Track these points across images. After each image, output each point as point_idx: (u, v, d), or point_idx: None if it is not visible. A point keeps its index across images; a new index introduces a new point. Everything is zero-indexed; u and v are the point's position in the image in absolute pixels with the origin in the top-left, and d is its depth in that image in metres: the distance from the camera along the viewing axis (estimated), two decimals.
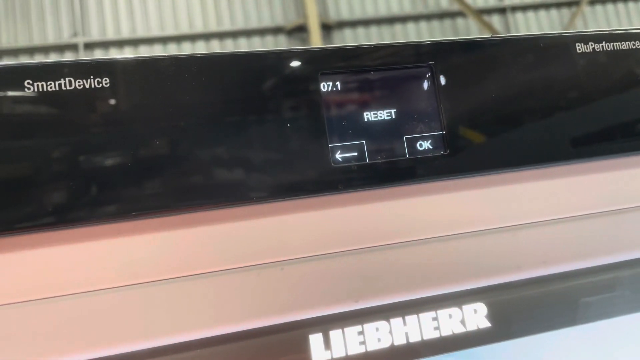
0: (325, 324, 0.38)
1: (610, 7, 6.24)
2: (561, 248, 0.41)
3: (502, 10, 6.05)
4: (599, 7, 6.22)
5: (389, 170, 0.37)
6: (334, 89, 0.37)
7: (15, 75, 0.32)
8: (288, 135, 0.36)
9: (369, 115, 0.37)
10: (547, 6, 6.13)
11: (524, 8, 6.09)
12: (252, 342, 0.37)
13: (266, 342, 0.37)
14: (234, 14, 5.54)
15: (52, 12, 5.27)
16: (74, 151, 0.32)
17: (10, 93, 0.32)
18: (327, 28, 5.56)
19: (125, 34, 5.33)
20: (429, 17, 5.88)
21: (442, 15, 5.91)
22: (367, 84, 0.38)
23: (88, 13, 5.31)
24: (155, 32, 5.37)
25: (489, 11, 6.02)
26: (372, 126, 0.37)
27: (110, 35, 5.31)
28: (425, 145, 0.38)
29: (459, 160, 0.38)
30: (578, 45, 0.41)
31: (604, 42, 0.41)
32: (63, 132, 0.32)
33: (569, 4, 6.14)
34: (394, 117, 0.38)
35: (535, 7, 6.12)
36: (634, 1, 6.26)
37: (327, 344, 0.38)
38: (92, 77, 0.33)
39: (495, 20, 5.99)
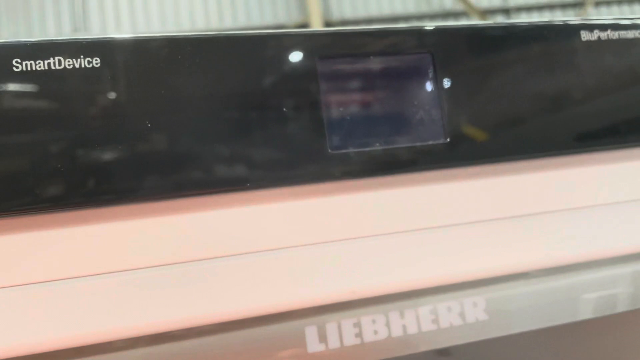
0: (321, 314, 0.37)
1: (615, 8, 6.22)
2: (563, 240, 0.40)
3: (506, 11, 6.04)
4: (603, 9, 6.21)
5: (386, 158, 0.36)
6: (332, 74, 0.36)
7: (4, 55, 0.31)
8: (284, 121, 0.35)
9: (367, 102, 0.37)
10: (551, 7, 6.12)
11: (529, 9, 6.07)
12: (247, 332, 0.36)
13: (261, 332, 0.37)
14: (236, 11, 5.53)
15: (53, 7, 5.27)
16: (67, 134, 0.31)
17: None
18: (329, 27, 5.55)
19: (126, 30, 5.32)
20: (432, 16, 5.87)
21: (445, 15, 5.90)
22: (366, 69, 0.37)
23: (89, 9, 5.30)
24: (157, 28, 5.36)
25: (493, 12, 6.00)
26: (370, 113, 0.37)
27: (111, 31, 5.31)
28: (425, 133, 0.37)
29: (458, 149, 0.37)
30: (583, 33, 0.40)
31: (609, 30, 0.41)
32: (50, 115, 0.31)
33: (573, 5, 6.13)
34: (392, 104, 0.37)
35: (539, 8, 6.10)
36: (639, 3, 6.24)
37: (322, 335, 0.37)
38: (82, 56, 0.32)
39: (499, 21, 5.98)
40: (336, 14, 5.65)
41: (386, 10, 5.77)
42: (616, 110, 0.40)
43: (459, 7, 5.76)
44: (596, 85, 0.40)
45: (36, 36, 5.08)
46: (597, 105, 0.40)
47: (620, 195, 0.41)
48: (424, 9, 5.86)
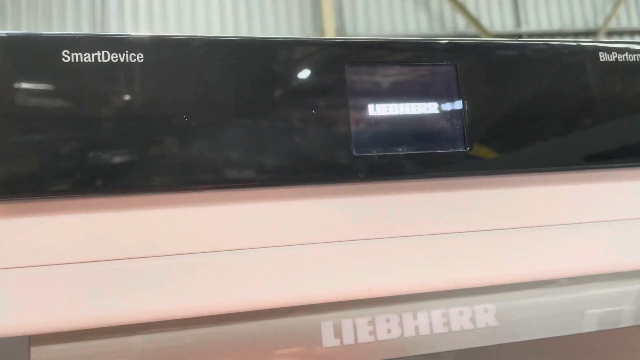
0: (337, 310, 0.39)
1: (627, 39, 6.26)
2: (575, 253, 0.41)
3: (519, 37, 6.08)
4: (615, 39, 6.24)
5: (408, 163, 0.38)
6: (360, 81, 0.38)
7: (55, 45, 0.33)
8: (311, 122, 0.36)
9: (392, 108, 0.38)
10: (564, 35, 6.15)
11: (541, 35, 6.11)
12: (266, 324, 0.38)
13: (279, 324, 0.38)
14: (252, 24, 5.59)
15: (73, 10, 5.35)
16: (112, 124, 0.33)
17: (46, 64, 0.33)
18: None
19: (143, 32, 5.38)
20: (445, 38, 5.91)
21: (458, 38, 5.94)
22: (392, 77, 0.39)
23: (108, 13, 5.38)
24: (173, 33, 5.41)
25: (506, 37, 6.04)
26: (394, 119, 0.38)
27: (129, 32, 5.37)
28: (446, 140, 0.38)
29: (478, 158, 0.39)
30: (601, 54, 0.42)
31: (626, 53, 0.42)
32: (96, 105, 0.33)
33: (586, 34, 6.16)
34: (416, 111, 0.38)
35: (552, 35, 6.14)
36: None
37: (337, 330, 0.39)
38: (127, 51, 0.34)
39: None
40: (350, 31, 5.69)
41: (400, 30, 5.81)
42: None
43: (472, 30, 5.80)
44: (616, 104, 0.41)
45: None
46: (621, 122, 0.41)
47: (635, 212, 0.43)
48: (437, 30, 5.90)
